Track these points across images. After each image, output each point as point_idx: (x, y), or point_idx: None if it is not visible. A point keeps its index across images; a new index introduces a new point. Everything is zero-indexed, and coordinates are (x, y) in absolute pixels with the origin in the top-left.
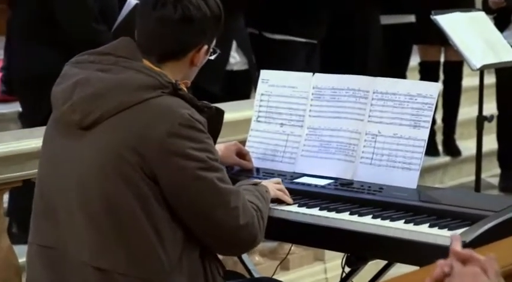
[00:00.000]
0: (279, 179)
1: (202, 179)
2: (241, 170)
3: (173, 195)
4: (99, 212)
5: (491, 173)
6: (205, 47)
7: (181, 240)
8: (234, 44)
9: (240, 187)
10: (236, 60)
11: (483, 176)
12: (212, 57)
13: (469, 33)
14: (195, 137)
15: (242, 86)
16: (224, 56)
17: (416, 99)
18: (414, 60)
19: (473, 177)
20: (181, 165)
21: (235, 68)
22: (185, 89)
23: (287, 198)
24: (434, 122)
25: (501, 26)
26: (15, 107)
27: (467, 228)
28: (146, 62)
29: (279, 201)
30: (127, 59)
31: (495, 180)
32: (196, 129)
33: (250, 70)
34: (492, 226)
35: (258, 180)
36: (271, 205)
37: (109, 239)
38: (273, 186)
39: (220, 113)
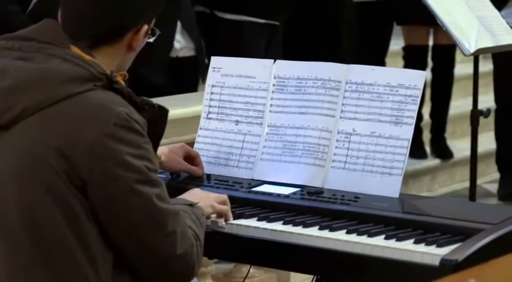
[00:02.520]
0: (224, 196)
1: (138, 194)
2: (189, 177)
3: (102, 209)
4: (16, 227)
5: (489, 178)
6: (145, 27)
7: (112, 263)
8: (179, 25)
9: (175, 206)
10: (181, 44)
11: (479, 181)
12: (151, 40)
13: (461, 12)
14: (132, 141)
15: (188, 76)
16: (168, 40)
17: (398, 91)
18: (397, 44)
19: (467, 184)
20: (114, 174)
21: (180, 54)
22: (122, 82)
23: (229, 214)
24: (420, 117)
25: (499, 3)
26: None
27: (459, 244)
28: (75, 49)
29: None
30: (52, 45)
31: (493, 187)
32: (134, 132)
33: (198, 57)
34: (489, 242)
35: (190, 198)
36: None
37: (29, 260)
38: (213, 200)
39: (164, 112)
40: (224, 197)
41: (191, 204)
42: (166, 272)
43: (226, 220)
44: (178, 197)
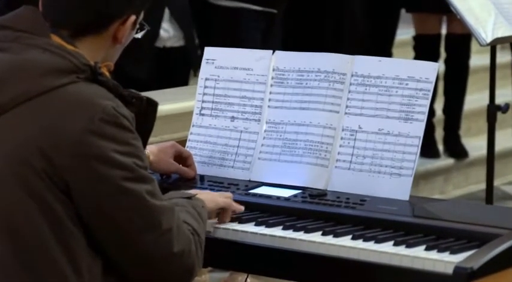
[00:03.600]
0: (227, 193)
1: (128, 192)
2: (180, 178)
3: (89, 212)
4: None
5: (507, 179)
6: (133, 18)
7: (101, 270)
8: (167, 13)
9: (169, 200)
10: (169, 34)
11: (496, 183)
12: (139, 35)
13: None
14: (119, 137)
15: (177, 69)
16: (153, 29)
17: (407, 84)
18: (407, 33)
19: (483, 185)
20: (101, 173)
21: (168, 44)
22: (107, 74)
23: (236, 206)
24: (432, 113)
25: None
26: None
27: (474, 251)
28: (55, 38)
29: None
30: (31, 34)
31: None
32: (121, 127)
33: (188, 47)
34: (507, 248)
35: (193, 192)
36: (219, 225)
37: (9, 268)
38: (217, 195)
39: (153, 105)
40: (227, 193)
41: (189, 197)
42: (163, 275)
43: (225, 218)
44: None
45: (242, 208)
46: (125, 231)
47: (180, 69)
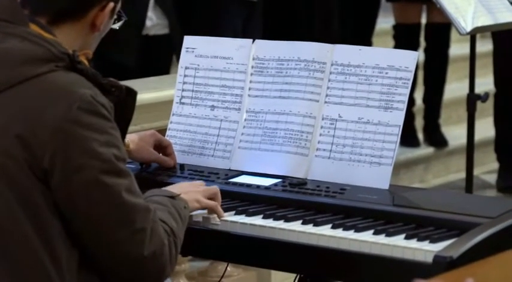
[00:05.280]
0: (215, 187)
1: (104, 185)
2: (160, 167)
3: (65, 202)
4: None
5: (487, 168)
6: (111, 4)
7: (78, 260)
8: (151, 1)
9: (151, 198)
10: (153, 22)
11: (476, 172)
12: (116, 26)
13: None
14: (98, 126)
15: (161, 57)
16: (139, 17)
17: (387, 73)
18: (387, 22)
19: (463, 174)
20: (78, 163)
21: (152, 32)
22: (86, 62)
23: (219, 210)
24: (412, 102)
25: None
26: None
27: (454, 239)
28: (33, 27)
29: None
30: (8, 23)
31: (492, 178)
32: (99, 116)
33: (172, 35)
34: (487, 237)
35: (176, 191)
36: (200, 212)
37: None
38: (201, 194)
39: (132, 94)
40: (214, 190)
41: (172, 196)
42: (133, 274)
43: (219, 216)
44: (162, 188)
45: (223, 214)
46: (98, 226)
47: (164, 57)
